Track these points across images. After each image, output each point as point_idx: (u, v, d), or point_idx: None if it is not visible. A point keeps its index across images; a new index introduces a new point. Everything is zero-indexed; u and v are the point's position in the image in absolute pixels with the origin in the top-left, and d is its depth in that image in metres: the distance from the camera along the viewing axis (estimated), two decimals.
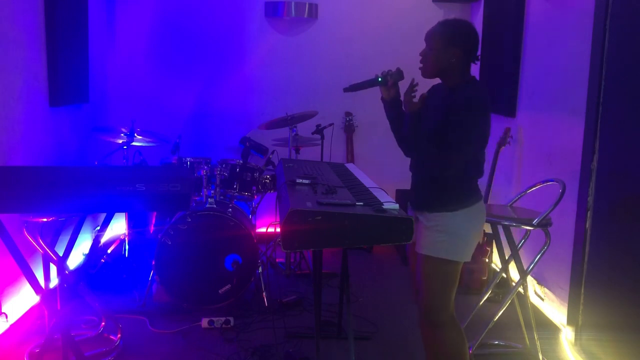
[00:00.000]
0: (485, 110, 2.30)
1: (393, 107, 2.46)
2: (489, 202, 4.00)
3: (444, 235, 2.33)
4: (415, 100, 2.34)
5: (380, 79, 2.43)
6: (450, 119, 2.24)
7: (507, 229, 2.98)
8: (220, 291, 3.54)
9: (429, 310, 2.39)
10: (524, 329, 3.08)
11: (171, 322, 3.40)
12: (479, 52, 2.40)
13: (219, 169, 3.87)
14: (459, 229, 2.33)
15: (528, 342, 3.08)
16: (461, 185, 2.35)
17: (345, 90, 2.49)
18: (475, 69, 4.83)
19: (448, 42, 2.32)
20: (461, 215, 2.33)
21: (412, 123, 2.31)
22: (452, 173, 2.32)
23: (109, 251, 4.19)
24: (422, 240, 2.39)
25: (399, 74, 2.43)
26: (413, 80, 2.38)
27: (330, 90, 5.12)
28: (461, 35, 2.34)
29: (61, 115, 4.03)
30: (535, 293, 3.82)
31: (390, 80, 2.42)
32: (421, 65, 2.39)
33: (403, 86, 2.42)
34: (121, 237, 4.19)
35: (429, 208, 2.39)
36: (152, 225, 4.37)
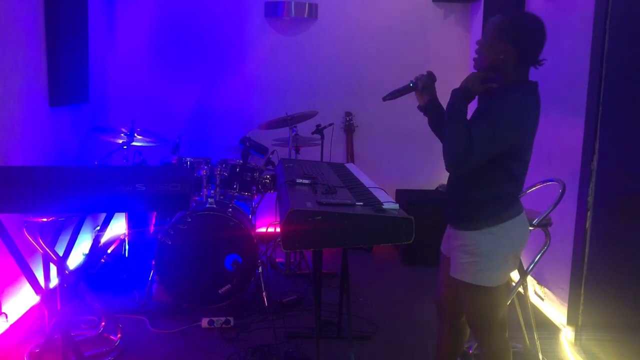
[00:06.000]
0: (520, 119, 2.01)
1: (428, 113, 2.31)
2: None
3: (469, 257, 2.13)
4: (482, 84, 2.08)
5: (411, 84, 2.30)
6: (486, 113, 2.02)
7: None
8: (220, 291, 3.54)
9: (474, 331, 2.28)
10: (524, 329, 3.07)
11: (171, 322, 3.40)
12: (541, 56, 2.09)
13: (219, 169, 3.87)
14: (487, 250, 2.10)
15: (528, 342, 3.07)
16: (491, 202, 2.11)
17: (385, 99, 2.36)
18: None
19: (500, 35, 2.05)
20: (488, 233, 2.11)
21: (430, 119, 2.26)
22: (472, 183, 2.07)
23: (109, 251, 4.19)
24: (451, 261, 2.23)
25: (429, 77, 2.28)
26: (496, 86, 2.10)
27: (330, 90, 5.13)
28: (516, 30, 2.05)
29: (61, 115, 4.03)
30: (535, 293, 3.82)
31: (420, 84, 2.27)
32: (475, 55, 2.16)
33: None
34: (121, 237, 4.19)
35: (455, 224, 2.22)
36: (152, 225, 4.36)
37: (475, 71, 2.14)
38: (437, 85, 2.33)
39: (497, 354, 2.23)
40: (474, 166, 2.02)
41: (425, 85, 2.27)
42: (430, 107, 2.28)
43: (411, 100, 2.46)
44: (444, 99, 2.31)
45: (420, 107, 2.33)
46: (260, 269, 3.69)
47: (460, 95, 2.06)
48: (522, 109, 2.02)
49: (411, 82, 2.30)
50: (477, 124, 2.01)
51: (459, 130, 1.99)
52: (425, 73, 2.28)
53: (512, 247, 2.19)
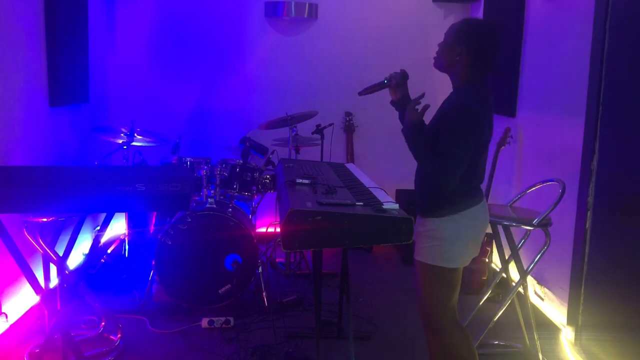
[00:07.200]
0: (477, 116, 2.18)
1: (399, 108, 2.47)
2: (488, 202, 3.99)
3: (433, 241, 2.26)
4: (419, 110, 2.30)
5: (385, 81, 2.47)
6: (442, 125, 2.19)
7: (507, 229, 2.98)
8: (220, 291, 3.54)
9: (426, 316, 2.36)
10: (524, 329, 3.08)
11: (171, 322, 3.40)
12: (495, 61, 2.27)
13: (219, 169, 3.87)
14: (449, 235, 2.24)
15: (528, 342, 3.08)
16: (456, 194, 2.22)
17: (360, 94, 2.54)
18: None
19: (457, 38, 2.25)
20: (451, 220, 2.24)
21: (410, 133, 2.27)
22: (444, 181, 2.16)
23: (109, 251, 4.19)
24: (416, 245, 2.35)
25: (402, 75, 2.46)
26: (423, 94, 2.35)
27: (330, 90, 5.12)
28: (471, 35, 2.24)
29: (61, 115, 4.03)
30: (535, 293, 3.82)
31: (393, 81, 2.44)
32: (435, 55, 2.35)
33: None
34: (121, 237, 4.19)
35: (421, 213, 2.35)
36: (152, 225, 4.37)
37: (411, 101, 2.35)
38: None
39: (453, 334, 2.33)
40: (458, 175, 2.15)
41: (398, 82, 2.45)
42: (402, 103, 2.45)
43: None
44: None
45: (392, 102, 2.50)
46: (260, 269, 3.68)
47: (413, 130, 2.26)
48: (475, 106, 2.18)
49: (385, 79, 2.47)
50: (440, 140, 2.17)
51: (430, 159, 2.18)
52: (399, 71, 2.46)
53: (472, 233, 2.31)
